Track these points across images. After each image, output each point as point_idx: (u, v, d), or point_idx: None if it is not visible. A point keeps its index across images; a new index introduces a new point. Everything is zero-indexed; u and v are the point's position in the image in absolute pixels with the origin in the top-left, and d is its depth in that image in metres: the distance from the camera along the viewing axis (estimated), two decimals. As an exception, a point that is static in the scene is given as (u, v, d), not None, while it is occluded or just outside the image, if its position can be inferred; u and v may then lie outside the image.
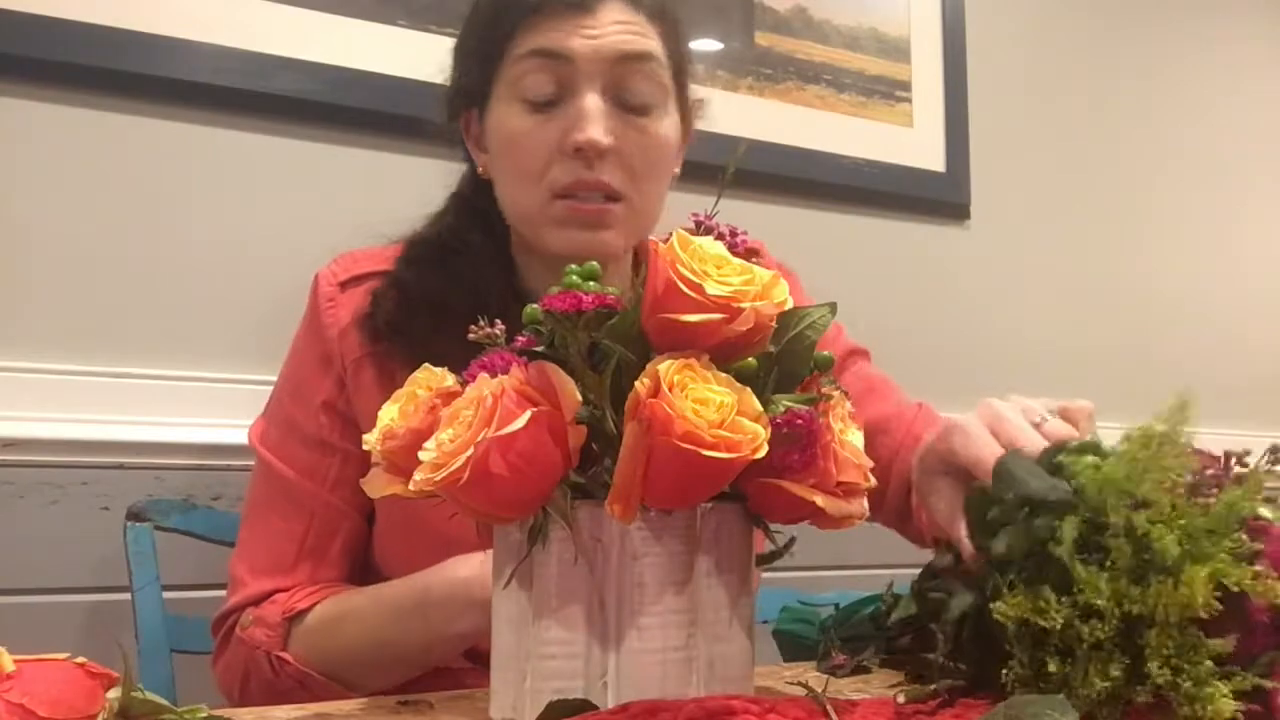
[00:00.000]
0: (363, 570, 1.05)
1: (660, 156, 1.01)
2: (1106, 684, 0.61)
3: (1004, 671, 0.65)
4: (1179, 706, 0.60)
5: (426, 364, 0.71)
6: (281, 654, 0.96)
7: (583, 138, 0.95)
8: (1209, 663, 0.60)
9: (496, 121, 1.01)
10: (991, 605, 0.66)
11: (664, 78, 1.00)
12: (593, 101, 0.96)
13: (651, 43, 0.99)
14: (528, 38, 0.98)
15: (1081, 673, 0.62)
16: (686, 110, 1.07)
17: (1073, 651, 0.63)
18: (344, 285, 1.05)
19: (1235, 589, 0.60)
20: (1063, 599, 0.63)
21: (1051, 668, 0.63)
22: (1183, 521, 0.62)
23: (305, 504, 1.02)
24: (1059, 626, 0.62)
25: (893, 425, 1.10)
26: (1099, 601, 0.62)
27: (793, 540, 0.70)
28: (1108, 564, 0.63)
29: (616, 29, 0.97)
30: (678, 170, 1.08)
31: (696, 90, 1.10)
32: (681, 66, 1.05)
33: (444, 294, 1.01)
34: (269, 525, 1.03)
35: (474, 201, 1.06)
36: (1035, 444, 0.75)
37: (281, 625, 0.97)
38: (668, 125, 1.01)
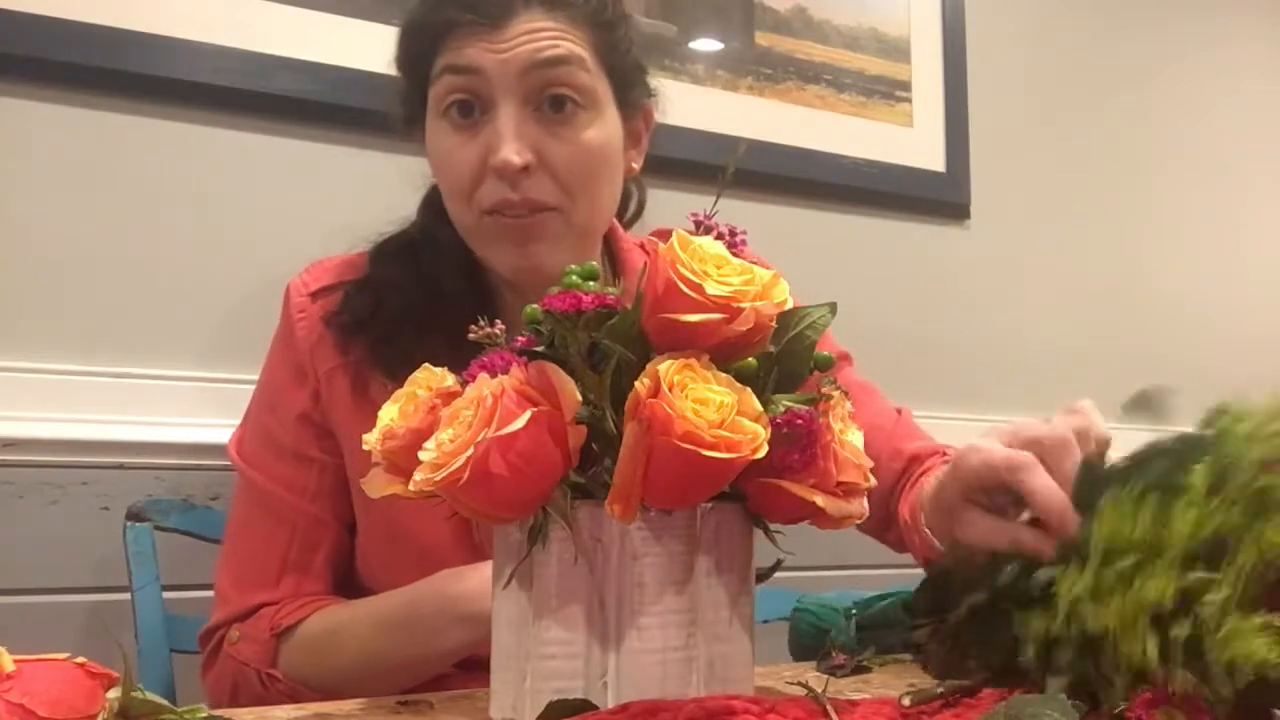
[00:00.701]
0: (346, 582, 1.05)
1: (591, 162, 0.98)
2: (1172, 590, 0.62)
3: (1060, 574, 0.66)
4: (1209, 650, 0.60)
5: (426, 365, 0.71)
6: (271, 670, 0.96)
7: (496, 160, 0.94)
8: (1257, 621, 0.60)
9: (429, 138, 1.01)
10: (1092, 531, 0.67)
11: (588, 80, 0.97)
12: (507, 119, 0.95)
13: (570, 46, 0.96)
14: (444, 55, 0.97)
15: (1145, 577, 0.63)
16: (635, 102, 1.05)
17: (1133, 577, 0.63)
18: (315, 295, 1.05)
19: None
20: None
21: (1121, 565, 0.64)
22: None
23: (286, 517, 1.02)
24: (1141, 536, 0.64)
25: (872, 435, 1.07)
26: (1193, 517, 0.63)
27: (779, 563, 0.70)
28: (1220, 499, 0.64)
29: (526, 38, 0.95)
30: (637, 164, 1.08)
31: (661, 82, 1.09)
32: (621, 64, 1.02)
33: (408, 286, 1.01)
34: (251, 539, 1.03)
35: (438, 202, 1.06)
36: (1056, 434, 0.74)
37: (270, 641, 0.97)
38: (599, 130, 0.99)
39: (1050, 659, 0.67)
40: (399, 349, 0.97)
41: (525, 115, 0.96)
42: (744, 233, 0.71)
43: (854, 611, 0.92)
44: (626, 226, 1.16)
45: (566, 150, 0.97)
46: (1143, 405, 0.79)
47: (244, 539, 1.04)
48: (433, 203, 1.07)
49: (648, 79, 1.08)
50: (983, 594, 0.76)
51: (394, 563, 1.00)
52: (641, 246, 1.13)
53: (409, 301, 1.01)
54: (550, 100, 0.96)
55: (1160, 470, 0.67)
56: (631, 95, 1.04)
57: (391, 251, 1.06)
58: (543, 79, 0.96)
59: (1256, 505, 0.63)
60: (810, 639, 0.97)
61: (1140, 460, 0.70)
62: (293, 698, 0.94)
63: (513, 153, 0.94)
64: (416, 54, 1.00)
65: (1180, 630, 0.61)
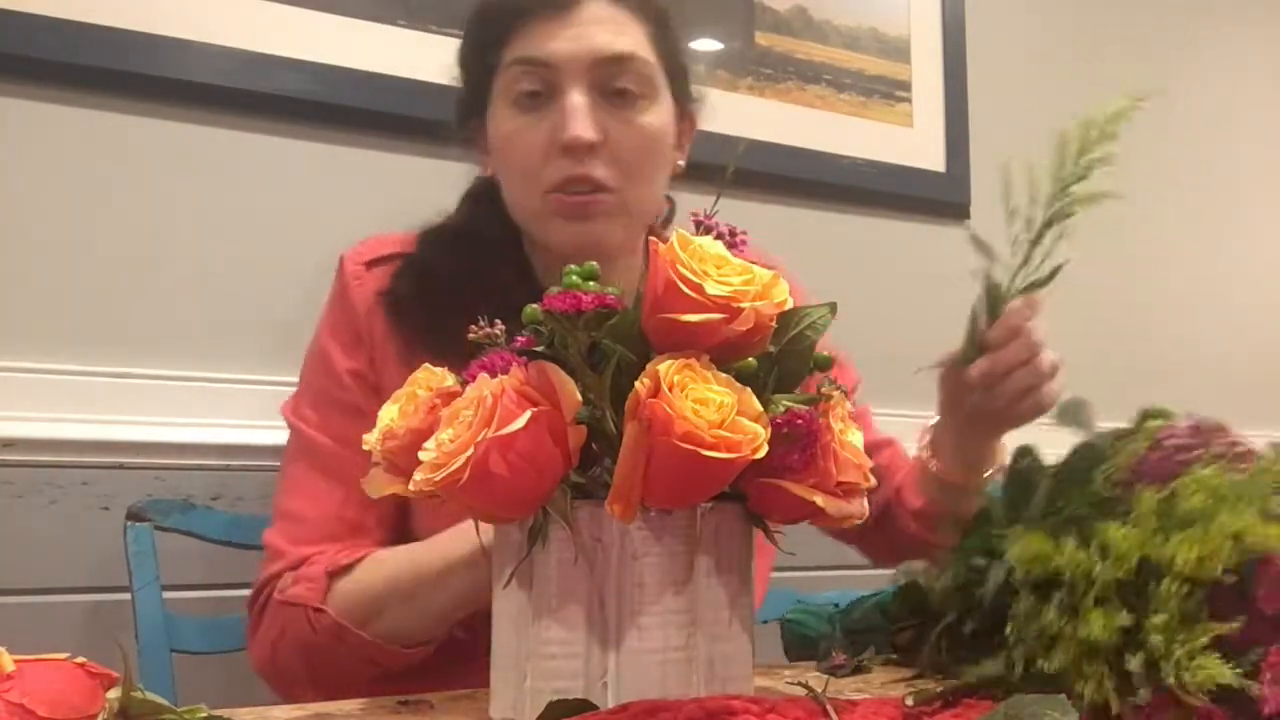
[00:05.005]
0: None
1: (650, 146, 1.03)
2: (1106, 636, 0.61)
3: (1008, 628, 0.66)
4: (1166, 676, 0.59)
5: (426, 365, 0.71)
6: (320, 605, 0.94)
7: (567, 135, 0.99)
8: (1205, 640, 0.60)
9: (493, 125, 1.05)
10: (1008, 554, 0.66)
11: (649, 71, 1.03)
12: (576, 100, 0.99)
13: (631, 39, 1.02)
14: (514, 45, 1.02)
15: (1083, 622, 0.62)
16: (685, 100, 1.10)
17: (1076, 608, 0.63)
18: (369, 265, 1.07)
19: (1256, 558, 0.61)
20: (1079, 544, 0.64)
21: (1049, 616, 0.63)
22: (1215, 483, 0.63)
23: (345, 472, 0.99)
24: (1068, 567, 0.63)
25: (876, 449, 1.16)
26: (1118, 542, 0.62)
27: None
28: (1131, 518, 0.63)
29: (596, 29, 1.01)
30: (681, 164, 1.11)
31: (697, 88, 1.12)
32: (674, 59, 1.07)
33: (459, 275, 1.04)
34: (307, 495, 1.02)
35: (485, 198, 1.09)
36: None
37: (324, 578, 0.95)
38: (656, 115, 1.04)
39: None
40: (447, 332, 0.97)
41: (593, 98, 1.01)
42: (744, 232, 0.71)
43: (836, 616, 0.92)
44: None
45: (628, 133, 1.02)
46: (1071, 414, 0.80)
47: (300, 495, 1.02)
48: (477, 197, 1.11)
49: (691, 82, 1.11)
50: (953, 614, 0.76)
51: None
52: None
53: (456, 286, 1.03)
54: (615, 88, 1.02)
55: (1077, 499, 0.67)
56: (682, 92, 1.09)
57: (438, 238, 1.09)
58: (609, 70, 1.01)
59: (1166, 523, 0.63)
60: (798, 649, 0.98)
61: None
62: (339, 636, 0.92)
63: (583, 128, 0.99)
64: (484, 43, 1.05)
65: (1133, 663, 0.61)
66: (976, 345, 0.85)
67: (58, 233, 1.29)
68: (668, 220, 1.20)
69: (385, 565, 0.95)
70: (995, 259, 0.82)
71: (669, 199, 1.18)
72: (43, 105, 1.29)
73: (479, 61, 1.05)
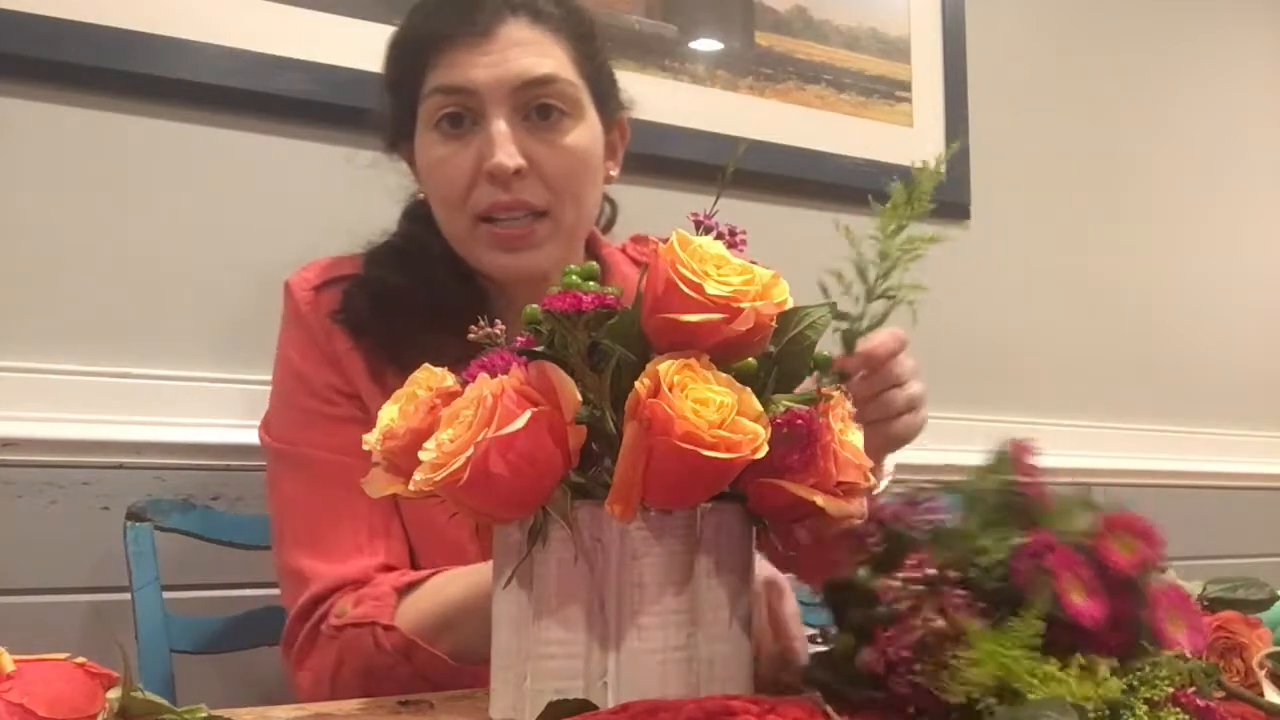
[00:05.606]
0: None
1: (578, 165, 1.04)
2: None
3: None
4: None
5: (426, 365, 0.71)
6: (390, 623, 0.91)
7: (491, 164, 0.99)
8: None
9: (420, 151, 1.06)
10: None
11: (572, 91, 1.03)
12: (499, 127, 1.00)
13: (553, 61, 1.02)
14: (435, 73, 1.02)
15: None
16: (612, 113, 1.10)
17: None
18: (317, 289, 1.07)
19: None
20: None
21: None
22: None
23: (356, 482, 0.99)
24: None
25: None
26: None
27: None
28: None
29: (517, 53, 1.01)
30: (614, 172, 1.12)
31: (626, 95, 1.13)
32: (598, 74, 1.07)
33: (411, 291, 1.04)
34: (325, 514, 0.99)
35: (424, 216, 1.09)
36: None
37: (392, 595, 0.93)
38: (581, 134, 1.04)
39: None
40: (405, 345, 0.98)
41: (515, 123, 1.01)
42: (744, 232, 0.71)
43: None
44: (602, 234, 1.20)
45: (554, 154, 1.02)
46: None
47: (316, 516, 0.99)
48: (415, 214, 1.11)
49: (619, 91, 1.12)
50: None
51: (425, 552, 1.00)
52: (623, 250, 1.17)
53: (407, 301, 1.04)
54: (538, 109, 1.02)
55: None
56: (608, 104, 1.09)
57: (383, 257, 1.09)
58: (531, 94, 1.01)
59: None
60: None
61: None
62: (407, 655, 0.90)
63: (506, 156, 0.99)
64: (406, 69, 1.05)
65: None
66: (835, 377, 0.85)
67: (58, 233, 1.29)
68: (610, 222, 1.21)
69: (457, 581, 0.93)
70: (848, 317, 0.83)
71: (610, 201, 1.19)
72: (43, 105, 1.29)
73: (403, 88, 1.05)
